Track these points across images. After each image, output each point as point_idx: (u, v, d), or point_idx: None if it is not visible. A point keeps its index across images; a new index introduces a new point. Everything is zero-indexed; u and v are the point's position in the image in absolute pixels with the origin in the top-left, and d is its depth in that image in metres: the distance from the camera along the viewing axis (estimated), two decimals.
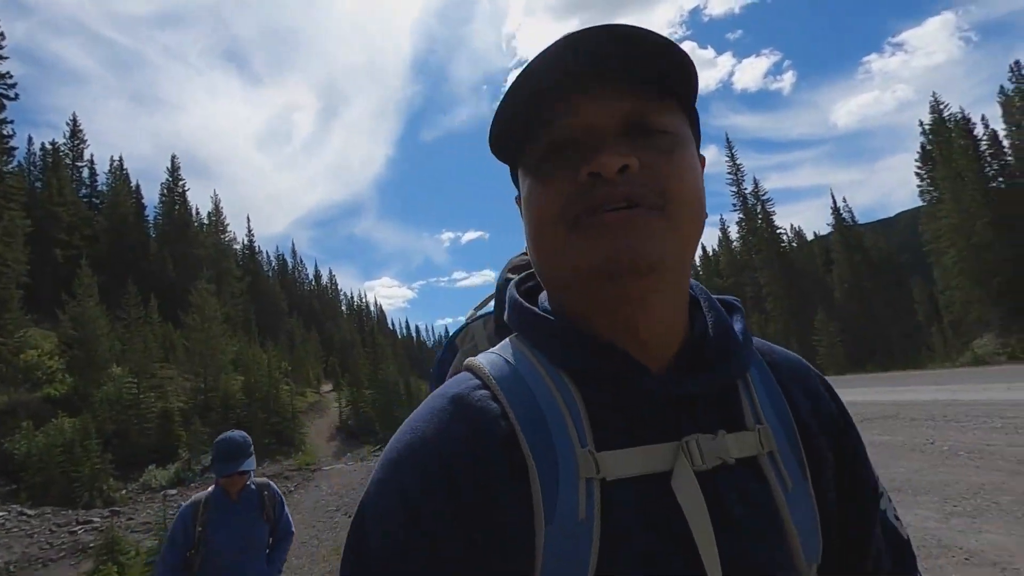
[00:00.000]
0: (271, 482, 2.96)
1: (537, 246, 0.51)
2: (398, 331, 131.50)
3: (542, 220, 0.49)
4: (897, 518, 0.58)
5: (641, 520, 0.44)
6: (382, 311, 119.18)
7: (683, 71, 0.48)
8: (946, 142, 32.71)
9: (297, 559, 6.88)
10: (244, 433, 2.85)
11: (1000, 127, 32.14)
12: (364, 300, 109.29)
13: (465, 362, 0.55)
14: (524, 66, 0.48)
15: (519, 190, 0.55)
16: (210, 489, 2.79)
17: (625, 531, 0.44)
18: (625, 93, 0.47)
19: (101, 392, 23.64)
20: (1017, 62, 32.56)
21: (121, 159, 52.62)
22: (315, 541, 8.14)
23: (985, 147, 32.90)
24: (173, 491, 17.96)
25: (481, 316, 1.13)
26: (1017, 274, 28.65)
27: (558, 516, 0.43)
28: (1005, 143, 32.32)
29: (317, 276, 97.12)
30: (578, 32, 0.45)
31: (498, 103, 0.51)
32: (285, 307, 66.81)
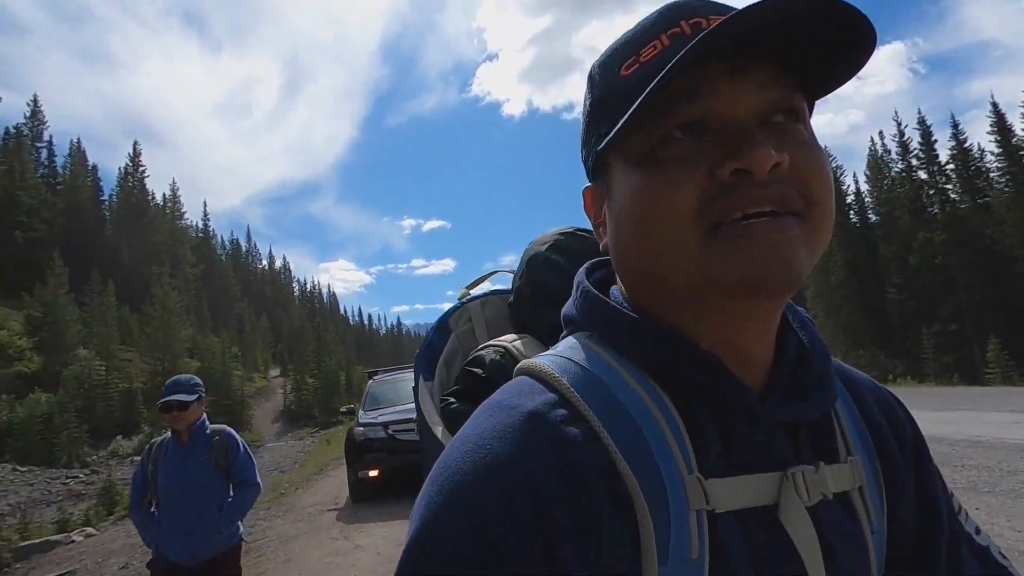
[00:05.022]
0: (228, 429, 2.92)
1: (649, 247, 0.42)
2: (350, 317, 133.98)
3: (664, 218, 0.40)
4: (1004, 556, 0.53)
5: (748, 557, 0.40)
6: (335, 297, 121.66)
7: (856, 60, 0.40)
8: None
9: None
10: (193, 376, 2.90)
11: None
12: (317, 286, 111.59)
13: (524, 365, 0.48)
14: (653, 19, 0.43)
15: (596, 176, 0.49)
16: (168, 433, 2.82)
17: (733, 570, 0.39)
18: (771, 77, 0.40)
19: (69, 371, 27.07)
20: (881, 132, 39.27)
21: (79, 141, 54.38)
22: None
23: (852, 199, 39.56)
24: (139, 457, 21.89)
25: (478, 297, 1.09)
26: (857, 310, 35.31)
27: (672, 555, 0.38)
28: (867, 198, 39.04)
29: (271, 261, 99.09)
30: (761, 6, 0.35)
31: (601, 64, 0.45)
32: (237, 292, 69.36)
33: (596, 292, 0.49)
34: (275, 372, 56.48)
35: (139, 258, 48.37)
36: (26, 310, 30.71)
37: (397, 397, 8.37)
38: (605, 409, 0.41)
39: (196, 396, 2.80)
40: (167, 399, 2.74)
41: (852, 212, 39.07)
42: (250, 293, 76.65)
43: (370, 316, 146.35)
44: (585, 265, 0.55)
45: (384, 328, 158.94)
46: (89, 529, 9.44)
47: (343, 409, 10.78)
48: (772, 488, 0.42)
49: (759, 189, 0.38)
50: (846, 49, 0.40)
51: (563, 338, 0.51)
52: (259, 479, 2.94)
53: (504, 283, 1.07)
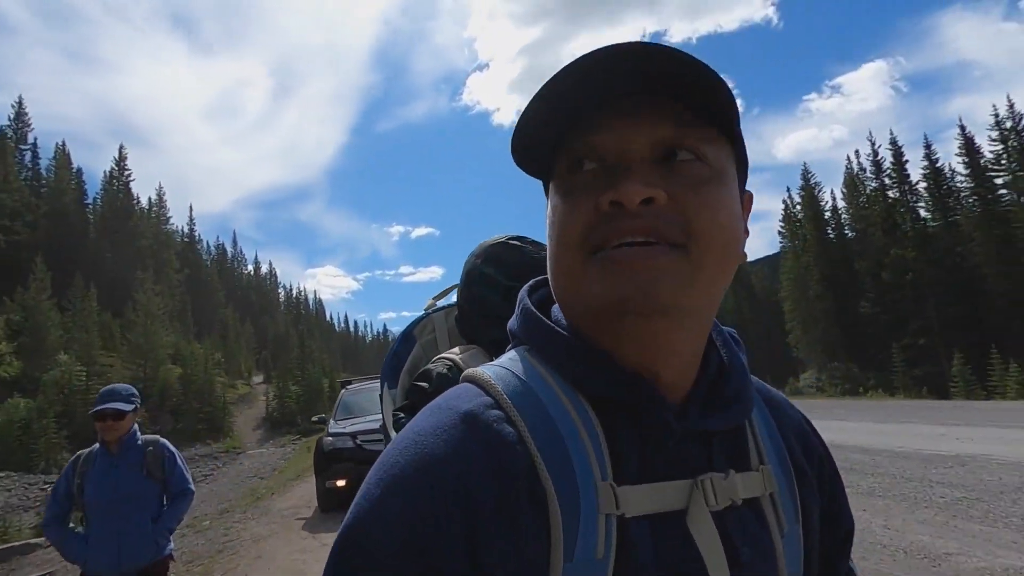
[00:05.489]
0: (163, 439, 2.85)
1: (554, 268, 0.48)
2: (336, 324, 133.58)
3: (561, 243, 0.46)
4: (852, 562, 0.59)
5: (654, 559, 0.43)
6: (321, 304, 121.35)
7: (724, 99, 0.44)
8: (807, 207, 40.07)
9: (209, 503, 11.33)
10: (130, 386, 2.82)
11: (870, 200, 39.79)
12: (303, 292, 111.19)
13: (467, 373, 0.51)
14: (556, 72, 0.44)
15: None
16: (96, 445, 2.73)
17: (638, 570, 0.42)
18: (663, 117, 0.44)
19: (49, 376, 26.99)
20: (857, 151, 40.45)
21: (64, 143, 54.13)
22: (231, 493, 12.62)
23: (828, 215, 40.61)
24: None
25: (442, 308, 1.12)
26: (833, 324, 36.20)
27: (578, 553, 0.41)
28: (844, 216, 40.07)
29: (256, 266, 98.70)
30: (616, 46, 0.42)
31: (523, 110, 0.47)
32: (222, 298, 69.01)
33: (534, 311, 0.52)
34: (259, 379, 56.30)
35: (123, 262, 48.08)
36: (7, 314, 30.58)
37: (370, 406, 8.50)
38: (532, 416, 0.44)
39: (133, 407, 2.72)
40: (103, 407, 2.64)
41: (830, 228, 40.09)
42: (235, 299, 76.27)
43: (356, 323, 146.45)
44: (529, 283, 0.58)
45: (370, 335, 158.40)
46: None
47: (315, 419, 10.64)
48: (682, 494, 0.45)
49: (631, 220, 0.42)
50: (713, 91, 0.43)
51: (507, 351, 0.55)
52: (193, 486, 2.93)
53: None
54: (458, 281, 1.11)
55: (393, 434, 0.97)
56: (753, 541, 0.47)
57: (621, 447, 0.45)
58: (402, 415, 0.95)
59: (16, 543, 9.08)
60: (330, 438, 7.80)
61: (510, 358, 0.51)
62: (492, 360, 0.70)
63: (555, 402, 0.46)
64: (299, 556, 5.34)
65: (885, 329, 32.34)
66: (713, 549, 0.44)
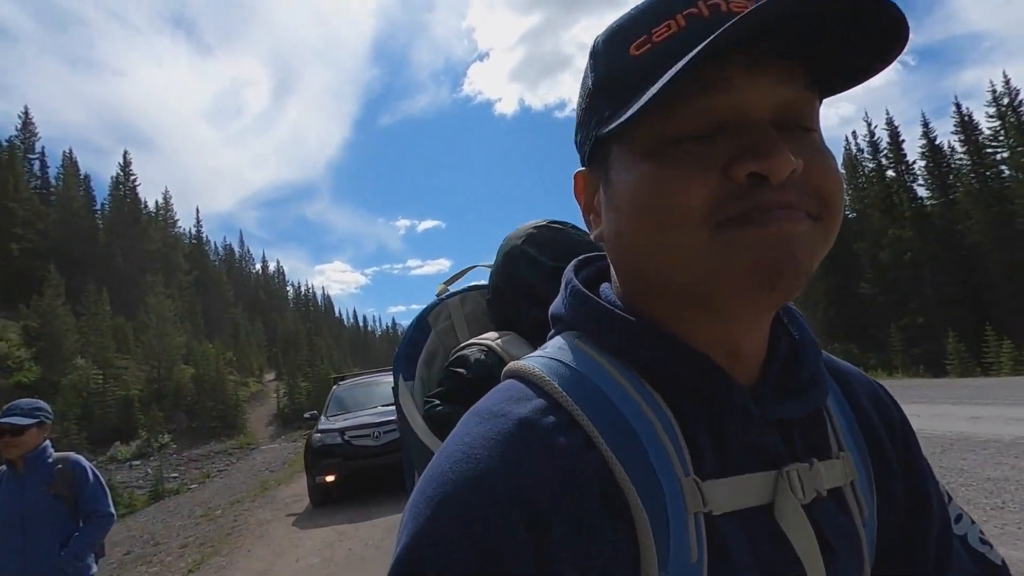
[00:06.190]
0: (75, 456, 2.67)
1: (653, 244, 0.40)
2: (345, 319, 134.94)
3: (673, 214, 0.38)
4: (984, 541, 0.55)
5: (748, 559, 0.39)
6: (329, 301, 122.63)
7: (876, 61, 0.38)
8: None
9: (223, 495, 11.93)
10: (38, 401, 2.67)
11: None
12: (311, 289, 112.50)
13: (512, 367, 0.46)
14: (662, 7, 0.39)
15: (592, 161, 0.46)
16: (3, 465, 2.59)
17: (735, 570, 0.39)
18: (789, 77, 0.38)
19: (67, 380, 27.98)
20: (854, 131, 40.47)
21: (71, 151, 54.99)
22: (242, 486, 13.17)
23: None
24: (137, 462, 22.98)
25: (456, 293, 1.06)
26: (832, 306, 36.52)
27: (672, 560, 0.37)
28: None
29: (264, 265, 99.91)
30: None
31: (607, 39, 0.43)
32: (231, 298, 70.09)
33: (585, 291, 0.48)
34: (270, 376, 57.38)
35: (133, 266, 49.11)
36: (23, 321, 31.58)
37: (365, 400, 8.71)
38: (598, 413, 0.40)
39: (35, 421, 2.57)
40: None
41: None
42: (244, 298, 77.39)
43: (365, 318, 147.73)
44: (573, 263, 0.54)
45: (379, 329, 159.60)
46: None
47: (307, 415, 10.58)
48: (767, 487, 0.42)
49: (774, 194, 0.37)
50: (870, 49, 0.38)
51: (551, 337, 0.50)
52: (112, 509, 2.71)
53: (484, 278, 1.05)
54: (468, 266, 1.13)
55: (414, 421, 0.94)
56: (841, 531, 0.45)
57: (696, 438, 0.41)
58: (437, 402, 0.91)
59: None
60: (319, 434, 7.87)
61: (558, 347, 0.47)
62: (530, 345, 0.69)
63: (618, 392, 0.42)
64: (296, 534, 6.04)
65: (885, 309, 32.63)
66: (809, 545, 0.41)
